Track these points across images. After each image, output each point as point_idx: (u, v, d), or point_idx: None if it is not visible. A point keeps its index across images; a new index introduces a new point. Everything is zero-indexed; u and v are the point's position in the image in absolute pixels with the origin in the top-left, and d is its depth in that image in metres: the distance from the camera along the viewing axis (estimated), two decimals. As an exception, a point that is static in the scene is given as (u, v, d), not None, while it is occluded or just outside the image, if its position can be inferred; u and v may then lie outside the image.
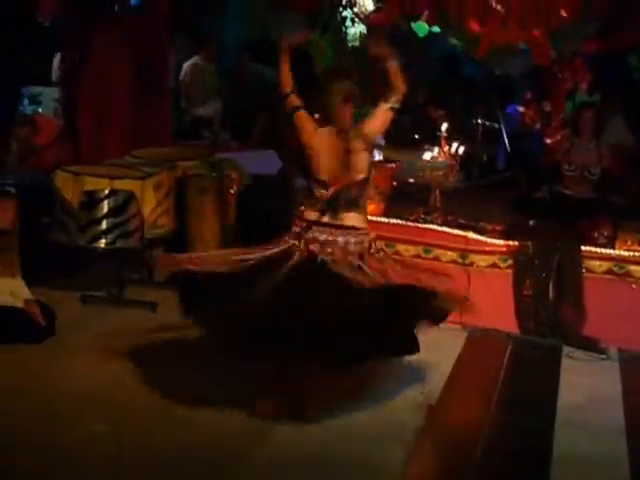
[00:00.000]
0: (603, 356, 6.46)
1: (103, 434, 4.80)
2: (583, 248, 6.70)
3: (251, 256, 5.31)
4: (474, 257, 6.82)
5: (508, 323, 6.74)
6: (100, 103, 8.40)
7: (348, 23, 9.75)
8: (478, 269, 6.81)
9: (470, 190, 8.83)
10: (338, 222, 5.28)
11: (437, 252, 6.89)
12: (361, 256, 5.28)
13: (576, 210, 7.19)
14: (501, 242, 6.87)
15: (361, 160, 5.28)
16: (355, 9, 8.99)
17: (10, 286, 6.01)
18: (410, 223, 7.06)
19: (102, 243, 6.60)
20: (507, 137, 10.00)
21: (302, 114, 5.33)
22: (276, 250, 5.29)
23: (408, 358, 5.59)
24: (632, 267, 6.62)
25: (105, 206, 6.56)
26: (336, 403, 5.22)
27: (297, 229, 5.30)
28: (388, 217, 7.11)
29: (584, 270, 6.66)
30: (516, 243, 6.81)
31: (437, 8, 7.41)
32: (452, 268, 6.69)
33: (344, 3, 9.05)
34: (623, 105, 9.91)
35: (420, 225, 7.03)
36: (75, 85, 8.47)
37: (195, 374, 5.45)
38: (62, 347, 5.90)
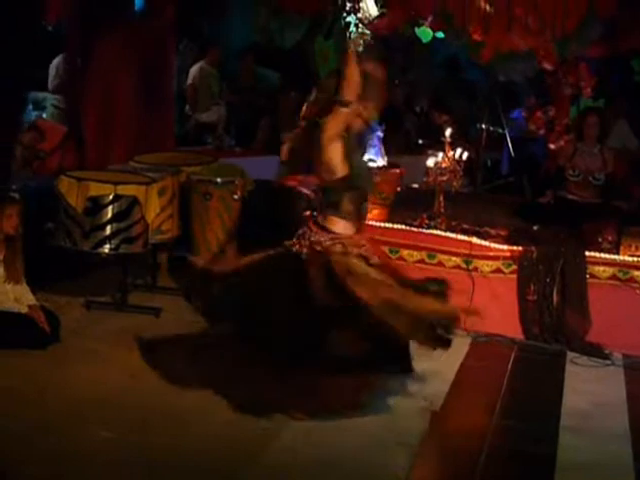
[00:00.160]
0: (607, 362, 6.45)
1: (108, 439, 4.80)
2: (587, 253, 6.69)
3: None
4: (478, 262, 6.82)
5: (512, 329, 6.73)
6: (104, 108, 8.41)
7: (352, 28, 9.77)
8: (482, 274, 6.80)
9: (474, 195, 8.86)
10: (325, 224, 5.32)
11: (441, 257, 6.89)
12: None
13: (580, 215, 7.18)
14: (505, 247, 6.86)
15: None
16: (359, 14, 9.00)
17: (15, 292, 6.02)
18: (414, 228, 7.05)
19: (106, 248, 6.60)
20: (511, 142, 10.01)
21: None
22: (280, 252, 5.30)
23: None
24: (636, 273, 6.60)
25: (109, 211, 6.57)
26: (340, 408, 5.22)
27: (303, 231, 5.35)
28: (392, 222, 7.10)
29: (588, 275, 6.65)
30: (520, 248, 6.80)
31: (442, 13, 7.41)
32: (456, 273, 6.69)
33: (348, 8, 9.06)
34: (627, 109, 9.93)
35: (424, 230, 7.03)
36: (79, 90, 8.48)
37: (200, 379, 5.44)
38: (66, 353, 5.91)
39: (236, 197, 7.11)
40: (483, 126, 9.65)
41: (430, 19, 7.50)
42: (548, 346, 6.64)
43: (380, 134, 7.49)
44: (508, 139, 10.01)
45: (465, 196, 8.04)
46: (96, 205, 6.56)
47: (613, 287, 6.65)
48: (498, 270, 6.82)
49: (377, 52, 5.82)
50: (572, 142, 7.85)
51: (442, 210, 7.14)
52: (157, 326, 6.43)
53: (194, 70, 10.49)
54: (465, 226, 7.14)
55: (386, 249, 6.57)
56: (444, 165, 7.08)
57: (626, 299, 6.61)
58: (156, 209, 6.76)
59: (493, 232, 7.13)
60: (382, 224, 7.01)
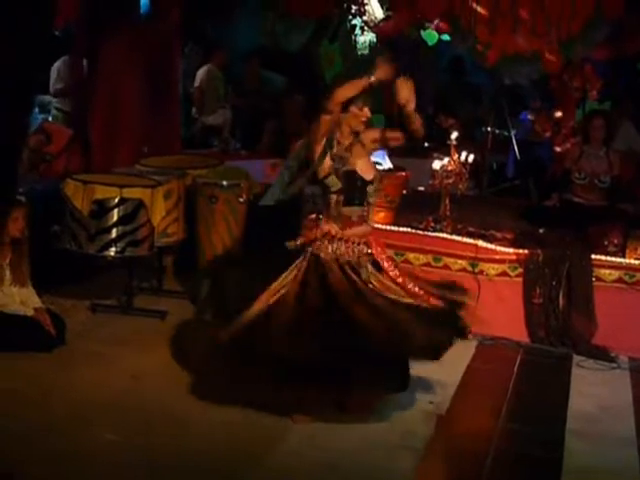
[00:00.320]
0: (613, 365, 6.44)
1: (112, 442, 4.81)
2: (593, 256, 6.68)
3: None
4: (484, 265, 6.81)
5: (518, 332, 6.72)
6: (110, 111, 8.41)
7: (357, 31, 9.79)
8: (488, 277, 6.79)
9: (480, 198, 8.85)
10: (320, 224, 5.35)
11: (447, 260, 6.88)
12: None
13: (586, 218, 7.16)
14: (511, 250, 6.85)
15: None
16: (365, 17, 9.01)
17: (20, 294, 6.03)
18: (420, 231, 7.05)
19: (112, 251, 6.61)
20: (517, 145, 10.01)
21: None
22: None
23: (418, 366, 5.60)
24: (642, 276, 6.60)
25: (115, 214, 6.57)
26: (346, 411, 5.23)
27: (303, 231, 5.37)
28: (398, 225, 7.10)
29: (594, 279, 6.64)
30: (526, 251, 6.79)
31: (449, 15, 7.42)
32: (462, 276, 6.67)
33: (354, 11, 9.07)
34: (633, 112, 9.91)
35: (430, 233, 7.02)
36: (86, 93, 8.49)
37: (205, 381, 5.45)
38: (71, 355, 5.92)
39: (242, 200, 7.11)
40: (489, 129, 9.64)
41: (436, 22, 7.50)
42: (554, 349, 6.63)
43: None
44: (514, 142, 10.00)
45: (471, 199, 8.03)
46: (102, 208, 6.56)
47: (619, 290, 6.63)
48: (504, 273, 6.81)
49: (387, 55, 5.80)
50: (578, 145, 7.84)
51: (448, 213, 7.14)
52: (163, 329, 6.43)
53: (201, 72, 10.47)
54: (471, 229, 7.13)
55: (392, 252, 6.56)
56: (450, 168, 7.07)
57: (632, 302, 6.59)
58: (162, 212, 6.76)
59: (499, 235, 7.12)
60: (388, 227, 7.01)
